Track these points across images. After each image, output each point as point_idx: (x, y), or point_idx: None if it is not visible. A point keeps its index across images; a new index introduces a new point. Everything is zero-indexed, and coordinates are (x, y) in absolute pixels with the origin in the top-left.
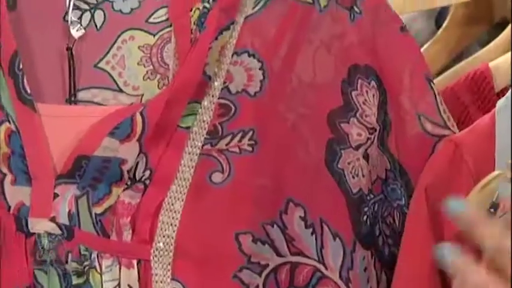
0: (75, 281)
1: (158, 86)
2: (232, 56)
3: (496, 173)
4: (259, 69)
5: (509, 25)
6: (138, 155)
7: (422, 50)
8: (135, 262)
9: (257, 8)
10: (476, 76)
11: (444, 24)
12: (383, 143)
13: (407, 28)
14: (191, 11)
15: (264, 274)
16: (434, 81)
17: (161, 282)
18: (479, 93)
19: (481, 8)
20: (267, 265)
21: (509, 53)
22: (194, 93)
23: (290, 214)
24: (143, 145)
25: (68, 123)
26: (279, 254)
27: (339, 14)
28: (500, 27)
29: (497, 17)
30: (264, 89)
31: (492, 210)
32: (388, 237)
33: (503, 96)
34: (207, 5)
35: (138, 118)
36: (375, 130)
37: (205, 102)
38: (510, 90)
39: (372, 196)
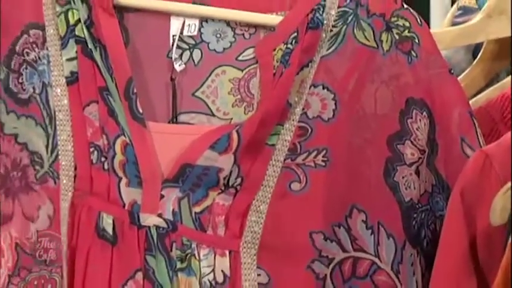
0: (178, 265)
1: (244, 112)
2: (310, 87)
3: None
4: (332, 99)
5: None
6: (233, 165)
7: (462, 76)
8: (227, 252)
9: (331, 49)
10: (504, 98)
11: (479, 56)
12: (430, 163)
13: (451, 58)
14: (274, 50)
15: (331, 266)
16: (471, 101)
17: (248, 269)
18: (506, 112)
19: (507, 45)
20: (334, 258)
21: None
22: (279, 117)
23: (354, 218)
24: (237, 157)
25: (171, 138)
26: (344, 250)
27: (398, 58)
28: None
29: None
30: (335, 116)
31: None
32: (431, 241)
33: None
34: (290, 46)
35: (235, 135)
36: (424, 152)
37: (287, 125)
38: None
39: (420, 205)
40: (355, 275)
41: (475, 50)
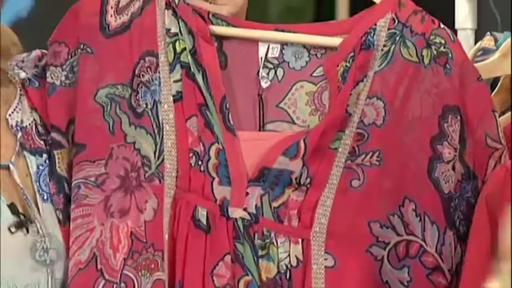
0: (260, 253)
1: (319, 119)
2: (366, 99)
3: None
4: (383, 108)
5: None
6: (302, 167)
7: None
8: (300, 240)
9: (382, 66)
10: None
11: (496, 89)
12: (460, 158)
13: None
14: (338, 66)
15: (387, 249)
16: None
17: (317, 254)
18: None
19: None
20: (390, 242)
21: None
22: (340, 125)
23: (406, 207)
24: (305, 161)
25: (256, 145)
26: (398, 234)
27: (437, 70)
28: None
29: None
30: (385, 122)
31: None
32: (462, 220)
33: None
34: (348, 64)
35: (302, 143)
36: (457, 149)
37: (347, 131)
38: None
39: (455, 194)
40: (408, 255)
41: (492, 83)
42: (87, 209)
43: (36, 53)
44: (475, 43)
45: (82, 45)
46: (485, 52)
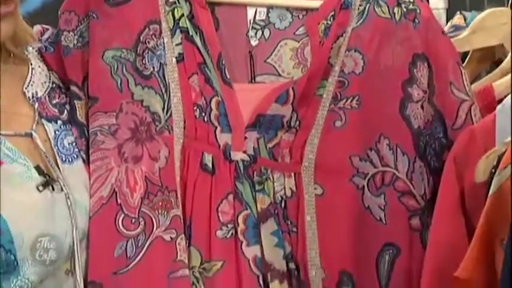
0: (257, 187)
1: (301, 71)
2: (345, 51)
3: (495, 148)
4: (361, 59)
5: (505, 60)
6: (292, 112)
7: None
8: (293, 174)
9: (359, 23)
10: (486, 91)
11: (466, 61)
12: (430, 100)
13: None
14: (318, 24)
15: (366, 178)
16: None
17: (308, 185)
18: (487, 101)
19: (487, 51)
20: (368, 173)
21: (506, 77)
22: (323, 74)
23: (381, 143)
24: (295, 106)
25: (250, 95)
26: (375, 167)
27: (407, 24)
28: (499, 62)
29: (497, 56)
30: (363, 70)
31: (493, 170)
32: (433, 156)
33: (500, 103)
34: (329, 22)
35: (291, 91)
36: (426, 92)
37: (330, 79)
38: (506, 99)
39: (425, 131)
40: (383, 183)
41: (463, 55)
42: (104, 152)
43: (37, 28)
44: (447, 21)
45: (90, 13)
46: (457, 29)
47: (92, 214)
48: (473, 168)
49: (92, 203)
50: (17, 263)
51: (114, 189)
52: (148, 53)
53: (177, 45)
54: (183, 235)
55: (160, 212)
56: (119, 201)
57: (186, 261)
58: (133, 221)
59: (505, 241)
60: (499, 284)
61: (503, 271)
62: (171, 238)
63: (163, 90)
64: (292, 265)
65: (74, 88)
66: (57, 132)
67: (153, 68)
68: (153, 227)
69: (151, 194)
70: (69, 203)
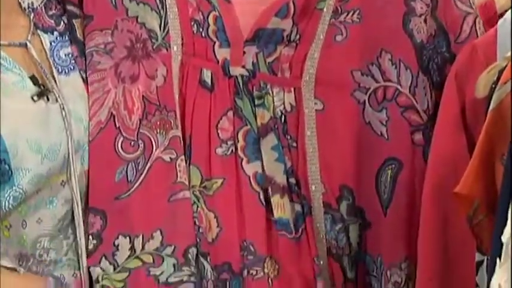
0: (257, 102)
1: None
2: None
3: (496, 63)
4: None
5: None
6: (292, 26)
7: None
8: (292, 89)
9: None
10: (487, 5)
11: None
12: (433, 14)
13: None
14: None
15: (368, 93)
16: None
17: (308, 100)
18: (489, 15)
19: None
20: (370, 88)
21: None
22: None
23: (383, 57)
24: (295, 20)
25: (249, 8)
26: (376, 81)
27: None
28: None
29: None
30: None
31: (493, 85)
32: (436, 71)
33: (501, 17)
34: None
35: (291, 5)
36: (429, 5)
37: None
38: (507, 14)
39: (428, 45)
40: (385, 98)
41: None
42: (101, 73)
43: None
44: None
45: None
46: None
47: (91, 139)
48: (474, 83)
49: (91, 127)
50: (12, 173)
51: (112, 113)
52: None
53: None
54: (183, 156)
55: (159, 131)
56: (117, 124)
57: (187, 182)
58: (132, 143)
59: (505, 156)
60: (499, 199)
61: (502, 186)
62: (171, 159)
63: (160, 7)
64: (292, 180)
65: (70, 7)
66: (53, 43)
67: None
68: (152, 148)
69: (150, 114)
70: (63, 114)
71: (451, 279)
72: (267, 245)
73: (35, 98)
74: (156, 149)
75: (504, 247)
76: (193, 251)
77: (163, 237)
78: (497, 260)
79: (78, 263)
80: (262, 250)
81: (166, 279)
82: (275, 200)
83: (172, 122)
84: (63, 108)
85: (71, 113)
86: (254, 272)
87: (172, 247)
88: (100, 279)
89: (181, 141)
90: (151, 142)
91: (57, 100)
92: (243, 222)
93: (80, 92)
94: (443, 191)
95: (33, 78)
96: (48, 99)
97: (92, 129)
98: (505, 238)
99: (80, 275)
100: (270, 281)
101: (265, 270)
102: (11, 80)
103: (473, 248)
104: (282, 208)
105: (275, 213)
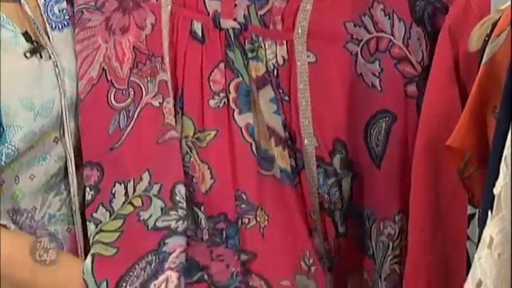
0: (250, 55)
1: None
2: None
3: (490, 16)
4: None
5: None
6: None
7: None
8: (284, 42)
9: None
10: None
11: None
12: None
13: None
14: None
15: (360, 45)
16: None
17: (300, 52)
18: None
19: None
20: (362, 39)
21: None
22: None
23: (375, 8)
24: None
25: None
26: (369, 32)
27: None
28: None
29: None
30: None
31: (487, 39)
32: (429, 20)
33: None
34: None
35: None
36: None
37: None
38: None
39: None
40: (378, 49)
41: None
42: (91, 30)
43: None
44: None
45: None
46: None
47: (83, 96)
48: (467, 37)
49: (82, 86)
50: (3, 130)
51: (103, 68)
52: None
53: None
54: (169, 99)
55: (149, 79)
56: (109, 77)
57: (174, 123)
58: (124, 92)
59: (497, 109)
60: (490, 151)
61: (494, 139)
62: (159, 103)
63: None
64: (286, 134)
65: None
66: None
67: None
68: (142, 94)
69: (140, 63)
70: (57, 71)
71: (443, 232)
72: (258, 195)
73: (28, 54)
74: (146, 95)
75: (496, 199)
76: (180, 189)
77: (151, 176)
78: (489, 212)
79: (72, 217)
80: (254, 199)
81: (155, 223)
82: (279, 150)
83: (158, 66)
84: (57, 65)
85: (64, 70)
86: (246, 221)
87: (159, 185)
88: (92, 238)
89: (168, 85)
90: (141, 89)
91: (50, 57)
92: (235, 173)
93: (73, 49)
94: (436, 144)
95: (26, 35)
96: (41, 56)
97: (83, 88)
98: (496, 191)
99: (74, 229)
100: (261, 229)
101: (258, 219)
102: (3, 36)
103: (464, 201)
104: (283, 159)
105: (279, 164)
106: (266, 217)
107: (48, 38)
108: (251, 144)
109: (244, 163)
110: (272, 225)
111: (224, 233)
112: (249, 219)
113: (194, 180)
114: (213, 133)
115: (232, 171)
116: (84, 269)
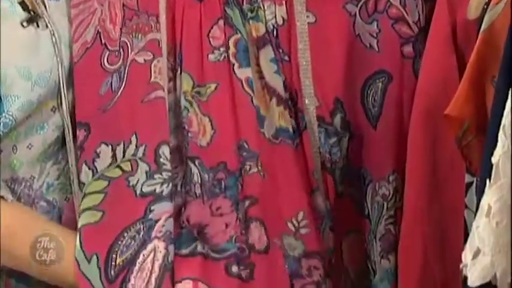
0: (249, 15)
1: None
2: None
3: None
4: None
5: None
6: None
7: None
8: (284, 2)
9: None
10: None
11: None
12: None
13: None
14: None
15: (359, 5)
16: None
17: (300, 13)
18: None
19: None
20: (361, 0)
21: None
22: None
23: None
24: None
25: None
26: None
27: None
28: None
29: None
30: None
31: (485, 7)
32: None
33: None
34: None
35: None
36: None
37: None
38: None
39: None
40: (376, 10)
41: None
42: None
43: None
44: None
45: None
46: None
47: (76, 60)
48: (466, 4)
49: (76, 49)
50: (1, 100)
51: (98, 31)
52: None
53: None
54: (160, 58)
55: (134, 35)
56: (103, 40)
57: (164, 83)
58: (116, 53)
59: (495, 78)
60: (489, 120)
61: (493, 107)
62: (145, 60)
63: None
64: (287, 95)
65: None
66: None
67: None
68: (128, 52)
69: (127, 19)
70: (54, 40)
71: (440, 200)
72: (258, 144)
73: (25, 24)
74: (131, 52)
75: (494, 168)
76: (164, 150)
77: (137, 139)
78: (487, 181)
79: (70, 186)
80: (255, 147)
81: (141, 188)
82: (280, 110)
83: (153, 25)
84: (54, 34)
85: (61, 38)
86: (248, 168)
87: (143, 147)
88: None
89: (161, 44)
90: (128, 46)
91: (47, 26)
92: (236, 123)
93: (69, 17)
94: (433, 113)
95: (22, 4)
96: (38, 25)
97: (77, 51)
98: (495, 159)
99: (73, 199)
100: (262, 174)
101: (258, 167)
102: (1, 6)
103: (462, 170)
104: (285, 119)
105: (277, 122)
106: (265, 170)
107: (45, 6)
108: (251, 97)
109: (245, 113)
110: (272, 180)
111: (223, 183)
112: (250, 166)
113: (190, 135)
114: (213, 86)
115: (234, 121)
116: (76, 247)
